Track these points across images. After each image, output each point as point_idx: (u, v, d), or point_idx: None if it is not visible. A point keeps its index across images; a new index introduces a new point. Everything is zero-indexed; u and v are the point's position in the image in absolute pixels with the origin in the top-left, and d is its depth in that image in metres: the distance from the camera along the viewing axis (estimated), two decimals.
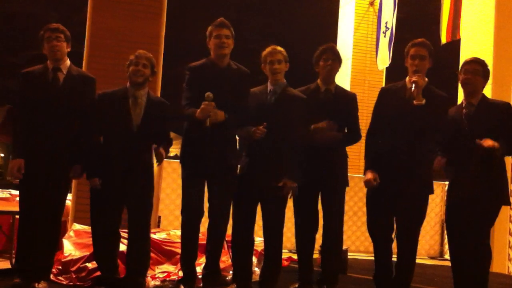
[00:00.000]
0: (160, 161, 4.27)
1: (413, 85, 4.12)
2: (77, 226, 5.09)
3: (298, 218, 4.57)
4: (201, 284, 4.34)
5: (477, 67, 4.22)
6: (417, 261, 4.40)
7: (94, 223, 4.22)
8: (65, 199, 4.28)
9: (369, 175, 4.21)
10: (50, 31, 4.23)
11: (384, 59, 8.89)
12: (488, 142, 3.90)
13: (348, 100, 4.62)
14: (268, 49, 4.38)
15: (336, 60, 4.56)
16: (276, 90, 4.37)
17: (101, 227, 4.17)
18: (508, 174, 4.46)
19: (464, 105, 4.26)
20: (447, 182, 4.41)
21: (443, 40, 8.42)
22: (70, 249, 4.69)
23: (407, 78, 4.30)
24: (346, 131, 4.60)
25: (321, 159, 4.40)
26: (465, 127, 4.15)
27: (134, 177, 4.12)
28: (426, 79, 4.32)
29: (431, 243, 8.00)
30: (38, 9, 15.53)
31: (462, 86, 4.27)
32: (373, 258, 4.44)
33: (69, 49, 4.29)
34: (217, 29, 4.33)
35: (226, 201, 4.34)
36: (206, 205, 4.36)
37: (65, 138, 4.13)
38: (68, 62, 4.27)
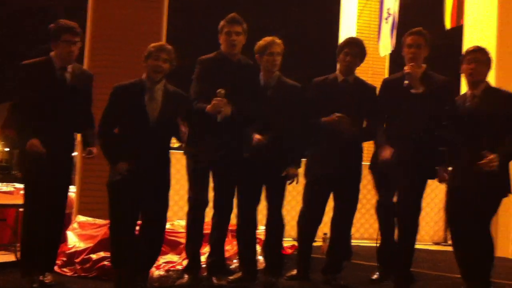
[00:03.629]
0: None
1: (407, 77, 4.21)
2: (81, 218, 5.12)
3: (306, 208, 4.56)
4: (205, 273, 4.37)
5: (481, 56, 4.14)
6: (422, 246, 4.45)
7: (114, 219, 3.99)
8: (67, 191, 4.29)
9: (387, 151, 4.22)
10: (71, 34, 4.05)
11: (386, 45, 8.81)
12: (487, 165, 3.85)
13: (367, 92, 4.55)
14: (268, 40, 4.33)
15: (357, 56, 4.49)
16: (270, 83, 4.36)
17: (122, 224, 3.97)
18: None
19: (468, 95, 4.20)
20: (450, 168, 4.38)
21: (448, 25, 8.34)
22: (74, 240, 4.73)
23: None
24: (364, 125, 4.55)
25: (337, 152, 4.37)
26: (468, 117, 4.09)
27: (151, 174, 3.97)
28: (424, 65, 4.37)
29: (435, 229, 7.99)
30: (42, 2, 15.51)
31: (466, 76, 4.18)
32: (376, 244, 4.50)
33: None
34: (228, 25, 4.28)
35: (231, 192, 4.35)
36: (210, 195, 4.37)
37: (68, 134, 4.17)
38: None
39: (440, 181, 4.29)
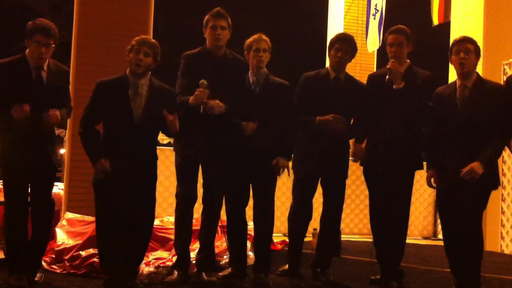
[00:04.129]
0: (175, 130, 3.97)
1: (388, 73, 4.30)
2: (69, 215, 5.10)
3: (295, 204, 4.58)
4: (195, 269, 4.36)
5: (469, 46, 4.10)
6: (411, 241, 4.45)
7: (101, 218, 3.95)
8: (50, 194, 4.15)
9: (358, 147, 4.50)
10: (44, 35, 3.86)
11: (374, 41, 8.85)
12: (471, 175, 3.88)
13: (358, 89, 4.57)
14: (254, 37, 4.36)
15: (347, 53, 4.50)
16: (259, 80, 4.37)
17: (108, 222, 3.91)
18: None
19: (458, 86, 4.14)
20: None
21: (435, 21, 8.39)
22: (63, 237, 4.71)
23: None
24: (352, 122, 4.58)
25: (324, 149, 4.39)
26: (459, 111, 4.06)
27: (137, 171, 3.91)
28: (408, 61, 4.45)
29: (424, 223, 8.04)
30: None
31: (456, 67, 4.14)
32: (366, 239, 4.50)
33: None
34: (213, 19, 4.27)
35: (219, 187, 4.35)
36: (199, 191, 4.36)
37: (46, 133, 4.00)
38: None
39: (429, 184, 4.31)
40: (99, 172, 3.87)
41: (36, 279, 4.05)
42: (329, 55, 4.56)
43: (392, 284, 4.33)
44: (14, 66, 3.93)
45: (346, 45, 4.50)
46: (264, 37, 4.35)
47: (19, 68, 3.92)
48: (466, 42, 4.14)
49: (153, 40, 4.02)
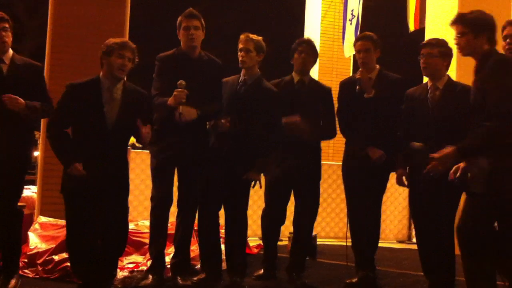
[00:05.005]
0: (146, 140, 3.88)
1: (358, 83, 4.41)
2: (42, 219, 5.03)
3: (267, 207, 4.61)
4: (170, 273, 4.33)
5: (432, 50, 4.12)
6: (386, 245, 4.50)
7: (71, 227, 3.82)
8: (21, 190, 4.08)
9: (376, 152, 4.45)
10: None
11: (350, 46, 8.88)
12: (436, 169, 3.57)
13: (322, 93, 4.62)
14: (241, 36, 4.35)
15: (310, 54, 4.55)
16: (247, 81, 4.36)
17: (78, 229, 3.78)
18: None
19: (429, 87, 4.20)
20: None
21: (411, 27, 8.48)
22: (35, 241, 4.64)
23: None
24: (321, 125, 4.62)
25: (296, 152, 4.40)
26: (429, 111, 4.13)
27: (109, 178, 3.78)
28: (378, 66, 4.55)
29: (399, 227, 8.10)
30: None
31: (421, 70, 4.23)
32: (342, 243, 4.55)
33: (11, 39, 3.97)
34: (186, 20, 4.27)
35: (195, 191, 4.32)
36: (175, 194, 4.33)
37: (12, 128, 3.88)
38: (10, 52, 3.97)
39: (399, 183, 4.35)
40: (72, 176, 3.71)
41: (10, 287, 3.92)
42: (292, 60, 4.60)
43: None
44: None
45: (308, 47, 4.56)
46: (251, 36, 4.33)
47: None
48: (429, 46, 4.17)
49: (133, 44, 3.91)
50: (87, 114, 3.76)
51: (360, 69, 4.45)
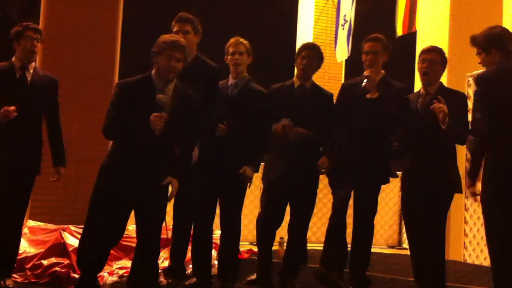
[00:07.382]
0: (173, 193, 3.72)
1: (365, 80, 4.26)
2: (31, 223, 5.01)
3: (263, 212, 4.57)
4: (161, 278, 4.30)
5: (435, 56, 4.19)
6: (376, 250, 4.48)
7: (94, 220, 3.62)
8: (28, 197, 4.16)
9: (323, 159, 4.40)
10: (33, 31, 4.06)
11: (343, 51, 8.95)
12: (438, 107, 3.88)
13: (323, 99, 4.57)
14: (232, 40, 4.35)
15: (313, 59, 4.50)
16: (238, 84, 4.35)
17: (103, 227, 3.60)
18: (462, 164, 4.52)
19: (420, 93, 4.26)
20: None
21: (399, 32, 8.52)
22: (24, 246, 4.60)
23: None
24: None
25: (289, 157, 4.38)
26: (420, 117, 4.15)
27: (153, 185, 3.59)
28: (383, 72, 4.45)
29: (389, 232, 8.12)
30: None
31: (420, 75, 4.25)
32: None
33: None
34: (177, 24, 4.26)
35: (189, 198, 4.26)
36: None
37: (29, 137, 4.03)
38: (33, 63, 4.17)
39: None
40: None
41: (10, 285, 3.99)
42: (295, 64, 4.58)
43: None
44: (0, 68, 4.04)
45: (312, 52, 4.52)
46: (241, 40, 4.34)
47: (3, 68, 4.03)
48: (432, 52, 4.22)
49: (183, 42, 3.69)
50: (140, 114, 3.48)
51: (369, 69, 4.32)
